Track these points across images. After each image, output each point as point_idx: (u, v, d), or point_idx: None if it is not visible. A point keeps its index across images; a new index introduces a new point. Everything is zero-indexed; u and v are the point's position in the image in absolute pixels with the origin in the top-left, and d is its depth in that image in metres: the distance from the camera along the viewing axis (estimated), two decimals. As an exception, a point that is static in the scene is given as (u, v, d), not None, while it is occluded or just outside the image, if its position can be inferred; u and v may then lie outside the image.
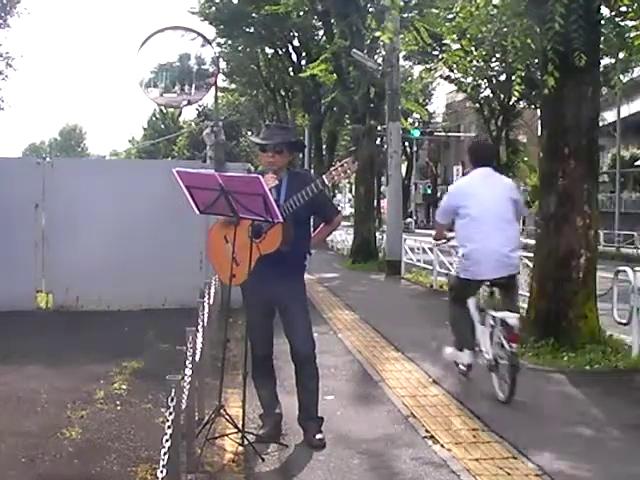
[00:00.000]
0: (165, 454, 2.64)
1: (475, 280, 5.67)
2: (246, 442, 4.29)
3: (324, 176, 4.31)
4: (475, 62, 9.73)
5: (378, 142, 25.92)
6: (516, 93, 8.34)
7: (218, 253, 4.50)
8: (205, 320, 5.03)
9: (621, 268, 7.30)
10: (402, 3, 18.39)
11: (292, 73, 31.20)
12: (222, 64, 29.52)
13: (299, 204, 4.22)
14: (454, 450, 4.38)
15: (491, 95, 38.57)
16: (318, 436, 4.48)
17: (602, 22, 7.43)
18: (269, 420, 4.60)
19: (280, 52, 31.59)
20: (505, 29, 7.72)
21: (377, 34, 12.67)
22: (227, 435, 4.44)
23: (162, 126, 68.17)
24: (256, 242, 4.26)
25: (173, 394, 2.88)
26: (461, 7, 8.25)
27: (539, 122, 10.42)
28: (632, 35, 7.56)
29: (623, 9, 7.52)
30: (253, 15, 26.63)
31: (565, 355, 6.88)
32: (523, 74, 8.47)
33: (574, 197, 7.25)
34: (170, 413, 2.79)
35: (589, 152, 7.33)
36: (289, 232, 4.26)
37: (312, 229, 4.74)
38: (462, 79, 34.22)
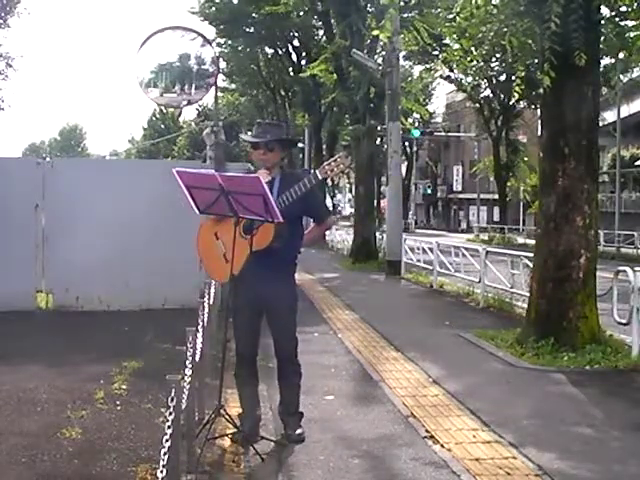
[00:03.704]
0: (165, 454, 2.63)
1: None
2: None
3: (317, 170, 4.31)
4: (475, 62, 9.72)
5: (378, 142, 25.88)
6: (516, 94, 8.35)
7: (208, 250, 4.45)
8: (205, 320, 5.03)
9: (621, 268, 7.30)
10: (402, 3, 18.42)
11: (292, 73, 31.19)
12: (222, 64, 29.46)
13: (291, 200, 4.21)
14: (454, 450, 4.38)
15: (491, 95, 38.60)
16: (298, 431, 4.50)
17: (602, 22, 7.43)
18: (247, 421, 4.50)
19: (280, 52, 31.58)
20: (505, 29, 7.72)
21: (374, 32, 12.62)
22: (227, 435, 4.44)
23: (162, 126, 68.17)
24: (247, 238, 4.23)
25: (173, 394, 2.88)
26: (461, 7, 8.25)
27: (539, 122, 10.41)
28: (632, 35, 7.56)
29: (623, 9, 7.52)
30: (253, 15, 26.61)
31: (565, 355, 6.88)
32: (524, 74, 8.48)
33: (574, 197, 7.25)
34: (170, 413, 2.79)
35: (589, 152, 7.33)
36: (282, 229, 4.21)
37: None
38: (462, 79, 34.30)
